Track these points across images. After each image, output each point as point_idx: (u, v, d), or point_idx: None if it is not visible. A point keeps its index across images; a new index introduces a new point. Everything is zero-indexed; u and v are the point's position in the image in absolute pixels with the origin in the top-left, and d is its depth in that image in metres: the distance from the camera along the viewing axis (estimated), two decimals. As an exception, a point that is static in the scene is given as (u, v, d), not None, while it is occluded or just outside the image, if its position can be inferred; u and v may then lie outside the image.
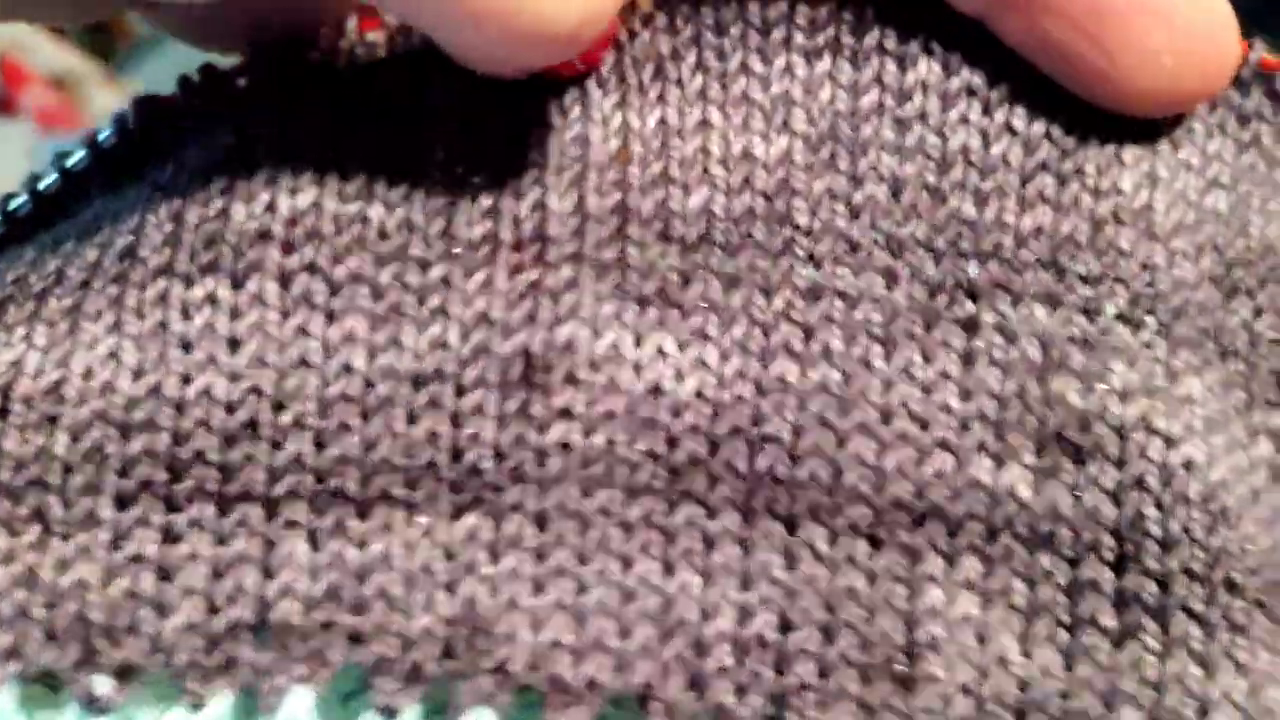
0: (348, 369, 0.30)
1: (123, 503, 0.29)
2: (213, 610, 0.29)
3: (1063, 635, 0.29)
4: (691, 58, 0.31)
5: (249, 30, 0.32)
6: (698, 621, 0.29)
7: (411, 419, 0.30)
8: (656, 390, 0.30)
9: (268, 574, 0.29)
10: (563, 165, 0.31)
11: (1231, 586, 0.29)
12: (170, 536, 0.29)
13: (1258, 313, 0.31)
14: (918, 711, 0.29)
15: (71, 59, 1.17)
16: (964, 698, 0.29)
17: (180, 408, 0.30)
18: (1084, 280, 0.30)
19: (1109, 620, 0.29)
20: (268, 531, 0.29)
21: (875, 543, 0.30)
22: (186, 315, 0.30)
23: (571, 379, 0.30)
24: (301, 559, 0.29)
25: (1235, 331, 0.31)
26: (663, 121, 0.31)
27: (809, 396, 0.30)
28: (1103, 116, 0.31)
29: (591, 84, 0.31)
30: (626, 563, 0.29)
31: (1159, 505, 0.29)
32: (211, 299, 0.30)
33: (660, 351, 0.30)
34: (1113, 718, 0.29)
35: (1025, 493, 0.30)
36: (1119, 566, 0.29)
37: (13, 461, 0.30)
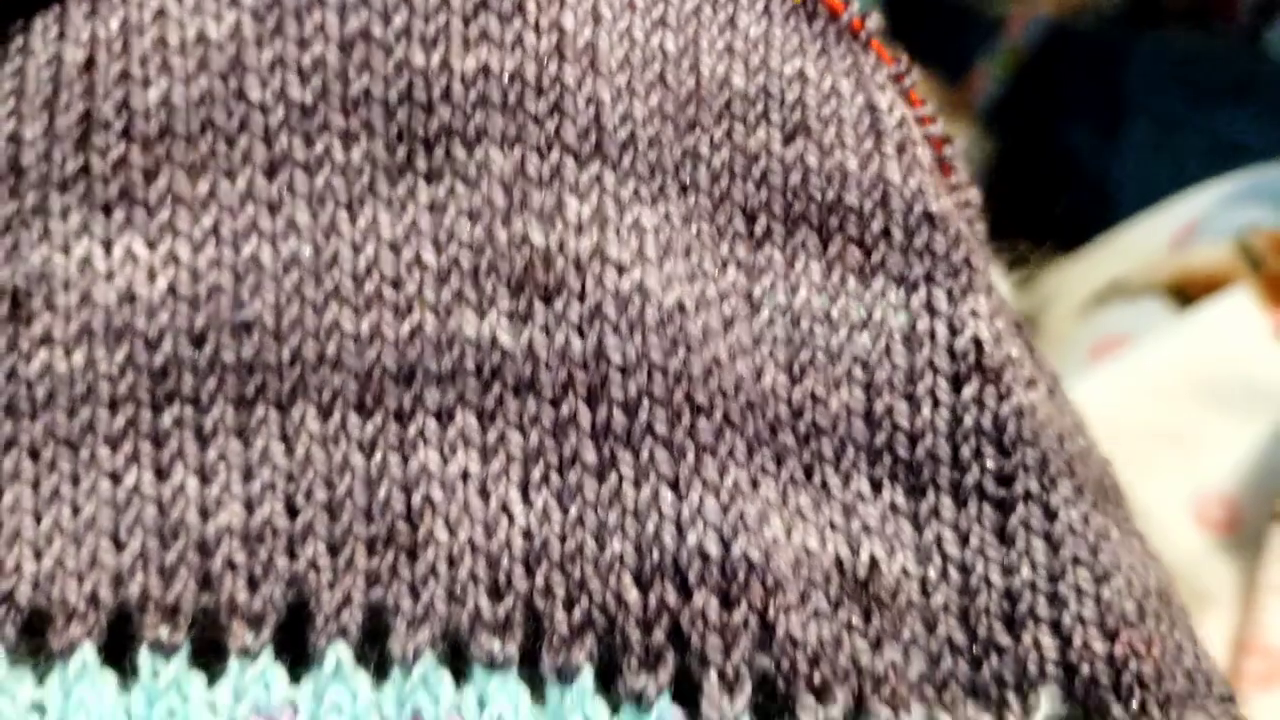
0: None
1: None
2: None
3: (555, 478, 0.30)
4: None
5: None
6: (198, 522, 0.30)
7: None
8: (129, 296, 0.30)
9: None
10: (38, 89, 0.31)
11: (696, 408, 0.30)
12: None
13: (715, 148, 0.32)
14: (424, 576, 0.29)
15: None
16: (473, 555, 0.29)
17: None
18: (535, 119, 0.30)
19: (590, 455, 0.30)
20: None
21: (365, 411, 0.30)
22: None
23: (49, 304, 0.30)
24: None
25: (694, 167, 0.32)
26: (125, 21, 0.31)
27: (283, 273, 0.30)
28: None
29: (70, 1, 0.31)
30: (115, 477, 0.30)
31: (617, 331, 0.30)
32: None
33: (130, 254, 0.30)
34: (605, 554, 0.29)
35: (506, 339, 0.30)
36: (592, 400, 0.30)
37: None
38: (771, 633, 0.29)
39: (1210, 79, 0.78)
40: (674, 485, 0.30)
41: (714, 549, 0.29)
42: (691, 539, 0.29)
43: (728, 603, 0.29)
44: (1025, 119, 0.83)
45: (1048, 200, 0.69)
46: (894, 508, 0.31)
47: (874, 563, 0.31)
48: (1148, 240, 0.65)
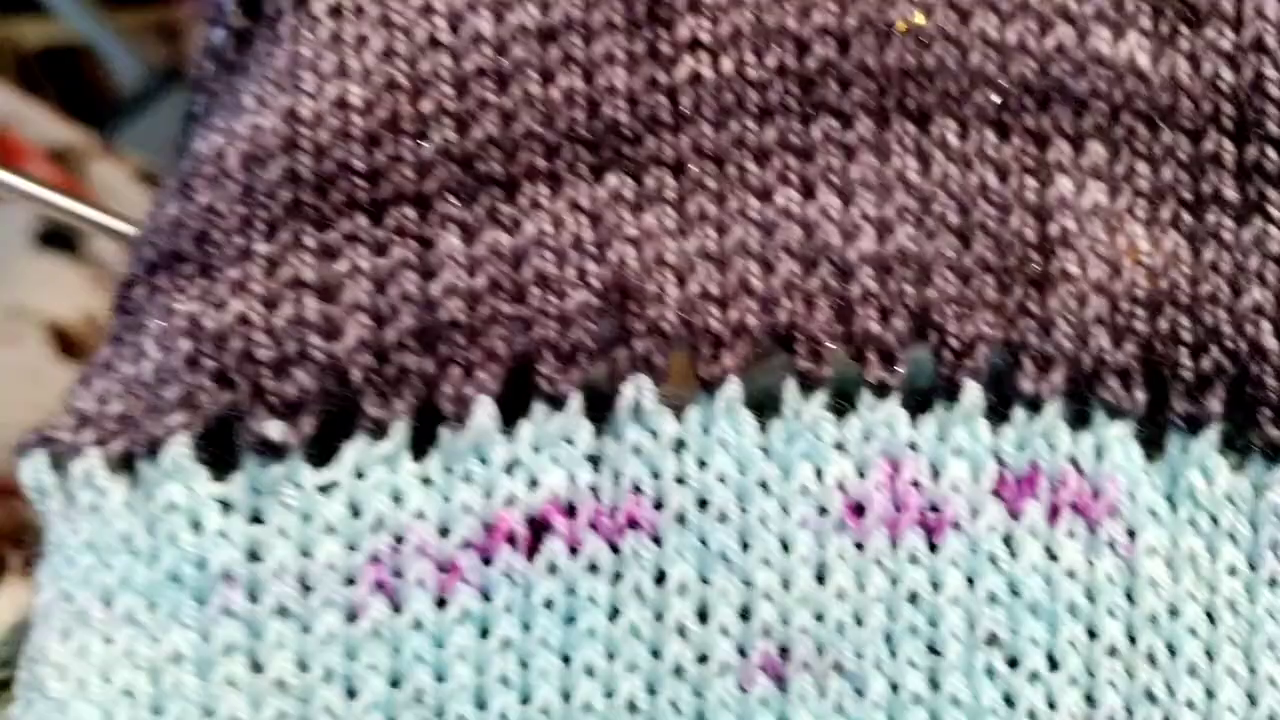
0: (477, 38, 0.28)
1: (273, 230, 0.28)
2: (379, 322, 0.28)
3: (1187, 217, 0.28)
4: None
5: None
6: (840, 245, 0.28)
7: (546, 78, 0.28)
8: None
9: (428, 275, 0.28)
10: None
11: None
12: (327, 254, 0.28)
13: None
14: (1054, 314, 0.27)
15: (69, 131, 1.14)
16: (1098, 296, 0.28)
17: (315, 123, 0.29)
18: None
19: (1232, 193, 0.28)
20: (423, 231, 0.28)
21: (1003, 131, 0.28)
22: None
23: (694, 3, 0.29)
24: (458, 254, 0.28)
25: None
26: None
27: None
28: None
29: None
30: (765, 194, 0.28)
31: (1278, 66, 0.28)
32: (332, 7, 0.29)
33: None
34: (1242, 300, 0.28)
35: (1144, 62, 0.28)
36: (1239, 136, 0.28)
37: None
38: None
39: None
40: None
41: None
42: None
43: None
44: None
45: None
46: None
47: None
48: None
